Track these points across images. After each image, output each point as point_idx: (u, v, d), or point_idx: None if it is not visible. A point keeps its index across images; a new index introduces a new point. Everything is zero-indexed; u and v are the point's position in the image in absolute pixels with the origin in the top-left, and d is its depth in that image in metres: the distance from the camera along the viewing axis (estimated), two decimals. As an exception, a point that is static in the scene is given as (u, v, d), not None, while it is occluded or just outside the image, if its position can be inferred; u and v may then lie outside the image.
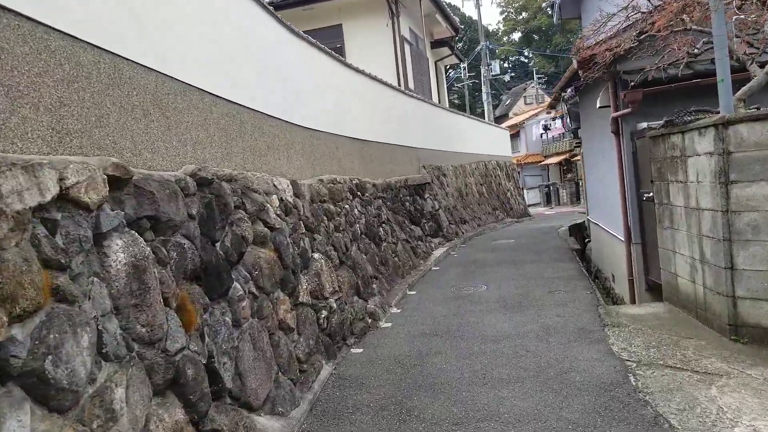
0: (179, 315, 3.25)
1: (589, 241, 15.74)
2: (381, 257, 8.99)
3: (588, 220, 14.80)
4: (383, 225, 9.77)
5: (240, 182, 4.72)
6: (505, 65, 63.95)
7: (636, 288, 7.84)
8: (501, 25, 67.87)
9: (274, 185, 5.78)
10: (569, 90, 15.56)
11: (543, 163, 39.02)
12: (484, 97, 31.15)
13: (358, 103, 10.07)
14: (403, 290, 8.50)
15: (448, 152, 16.10)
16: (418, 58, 16.28)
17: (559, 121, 37.00)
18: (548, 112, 41.45)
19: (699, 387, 4.46)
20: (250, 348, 4.02)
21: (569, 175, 36.51)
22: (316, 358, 5.10)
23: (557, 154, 37.23)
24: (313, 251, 6.26)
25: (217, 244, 4.03)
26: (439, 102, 17.46)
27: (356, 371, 5.27)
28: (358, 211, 8.78)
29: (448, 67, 25.19)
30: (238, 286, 4.12)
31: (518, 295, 7.69)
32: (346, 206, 8.28)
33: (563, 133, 37.01)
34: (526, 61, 68.77)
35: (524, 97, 55.14)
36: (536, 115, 41.51)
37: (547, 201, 36.99)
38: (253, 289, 4.37)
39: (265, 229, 4.91)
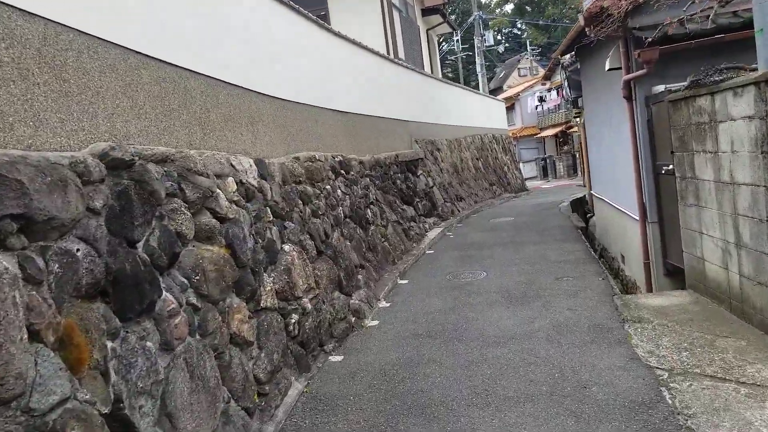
0: (61, 352, 2.30)
1: (591, 217, 14.82)
2: (369, 243, 8.04)
3: (590, 194, 13.86)
4: (371, 206, 8.81)
5: (178, 163, 3.72)
6: (498, 37, 62.41)
7: (653, 272, 6.92)
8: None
9: (232, 165, 4.79)
10: (568, 56, 14.47)
11: (539, 135, 37.94)
12: (478, 68, 29.88)
13: (342, 72, 9.01)
14: (393, 279, 7.58)
15: (441, 126, 15.05)
16: (408, 26, 15.12)
17: (554, 93, 35.77)
18: (543, 84, 40.11)
19: (750, 406, 3.56)
20: (186, 378, 3.08)
21: (565, 148, 35.45)
22: (282, 375, 4.17)
23: (553, 126, 36.13)
24: (283, 242, 5.30)
25: (138, 245, 3.06)
26: (432, 73, 16.35)
27: (333, 388, 4.35)
28: (342, 191, 7.80)
29: (441, 38, 23.96)
30: (170, 297, 3.16)
31: (522, 284, 6.76)
32: (327, 187, 7.29)
33: (559, 105, 35.84)
34: (519, 33, 67.37)
35: (518, 69, 53.89)
36: (531, 87, 40.26)
37: (544, 174, 36.00)
38: (194, 299, 3.42)
39: (214, 220, 3.93)
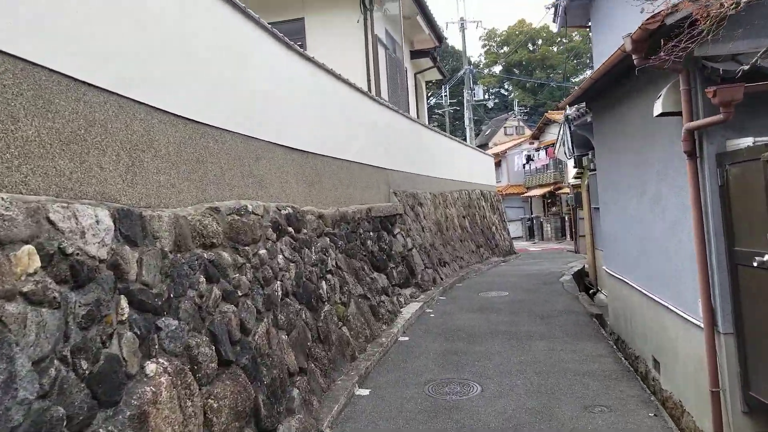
0: None
1: (595, 293, 12.65)
2: (319, 331, 5.73)
3: (592, 266, 11.72)
4: (329, 276, 6.54)
5: None
6: (486, 96, 62.04)
7: (725, 406, 4.68)
8: (483, 58, 66.54)
9: (49, 221, 2.55)
10: (573, 109, 12.64)
11: (525, 195, 36.30)
12: (467, 122, 28.34)
13: (301, 100, 6.92)
14: (348, 388, 5.23)
15: (426, 177, 13.00)
16: (394, 65, 13.26)
17: (543, 153, 34.42)
18: (531, 143, 38.94)
19: None
20: None
21: (553, 209, 33.78)
22: None
23: (540, 186, 34.55)
24: (148, 357, 3.00)
25: None
26: (418, 119, 14.44)
27: None
28: (285, 257, 5.54)
29: (430, 86, 22.37)
30: None
31: (535, 414, 4.48)
32: (262, 252, 5.04)
33: (547, 165, 34.41)
34: (506, 93, 67.43)
35: (505, 127, 53.13)
36: (519, 144, 39.00)
37: (530, 235, 34.13)
38: None
39: None
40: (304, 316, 5.54)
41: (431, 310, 8.86)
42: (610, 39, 9.57)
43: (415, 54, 15.33)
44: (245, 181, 5.37)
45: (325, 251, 6.69)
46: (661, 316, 6.32)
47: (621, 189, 7.92)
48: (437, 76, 17.72)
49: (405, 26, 13.77)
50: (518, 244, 26.16)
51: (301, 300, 5.62)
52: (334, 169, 7.85)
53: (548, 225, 32.43)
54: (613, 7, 9.39)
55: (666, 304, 6.09)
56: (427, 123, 13.92)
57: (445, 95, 38.75)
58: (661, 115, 5.20)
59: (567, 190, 29.59)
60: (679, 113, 5.03)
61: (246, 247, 4.80)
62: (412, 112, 14.31)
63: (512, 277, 12.83)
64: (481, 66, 64.04)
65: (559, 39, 63.61)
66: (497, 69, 65.07)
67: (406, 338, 7.24)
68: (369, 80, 11.34)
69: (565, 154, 13.83)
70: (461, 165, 16.89)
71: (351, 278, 7.20)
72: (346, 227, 7.70)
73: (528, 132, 46.19)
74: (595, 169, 12.27)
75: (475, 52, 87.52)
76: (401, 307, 8.50)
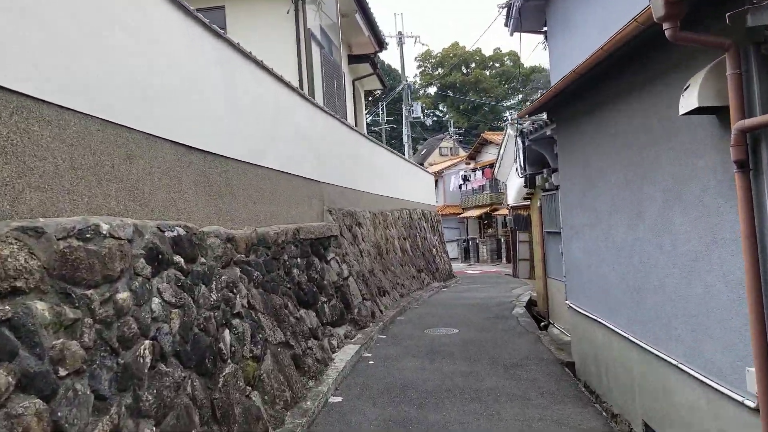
0: None
1: (546, 325, 11.38)
2: (214, 406, 3.91)
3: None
4: (235, 321, 4.74)
5: None
6: (421, 119, 61.79)
7: None
8: (418, 79, 66.56)
9: None
10: (527, 123, 11.48)
11: (461, 215, 35.49)
12: (405, 138, 27.13)
13: (207, 86, 5.15)
14: (252, 501, 3.43)
15: (365, 193, 11.39)
16: (330, 67, 11.64)
17: (479, 173, 33.79)
18: (467, 163, 38.40)
19: None
20: None
21: (489, 231, 33.07)
22: None
23: (477, 207, 33.83)
24: None
25: None
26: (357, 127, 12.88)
27: None
28: (165, 301, 3.72)
29: (374, 94, 20.95)
30: None
31: None
32: (121, 296, 3.22)
33: (483, 186, 33.78)
34: (441, 115, 67.74)
35: (440, 148, 52.84)
36: (455, 164, 38.33)
37: (465, 256, 33.23)
38: None
39: None
40: (190, 387, 3.71)
41: (370, 355, 7.16)
42: (571, 42, 8.37)
43: (354, 59, 13.82)
44: (105, 188, 3.54)
45: (232, 287, 4.88)
46: (662, 375, 4.93)
47: (600, 211, 6.59)
48: (377, 85, 16.29)
49: (343, 25, 12.22)
50: (455, 266, 24.99)
51: (187, 362, 3.80)
52: (253, 178, 6.07)
53: (484, 247, 31.63)
54: (573, 9, 8.20)
55: (673, 361, 4.70)
56: (366, 134, 12.42)
57: (383, 113, 37.59)
58: (693, 112, 3.83)
59: (505, 211, 28.93)
60: (720, 109, 3.68)
61: (90, 291, 2.97)
62: (350, 122, 12.71)
63: (458, 307, 11.36)
64: (417, 86, 63.85)
65: (491, 63, 64.66)
66: (432, 90, 65.23)
67: (339, 399, 5.50)
68: (301, 79, 9.66)
69: (517, 172, 12.64)
70: (403, 182, 15.44)
71: (269, 321, 5.40)
72: (266, 253, 5.91)
73: (463, 153, 45.87)
74: (551, 189, 11.09)
75: (410, 72, 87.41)
76: (334, 352, 6.76)
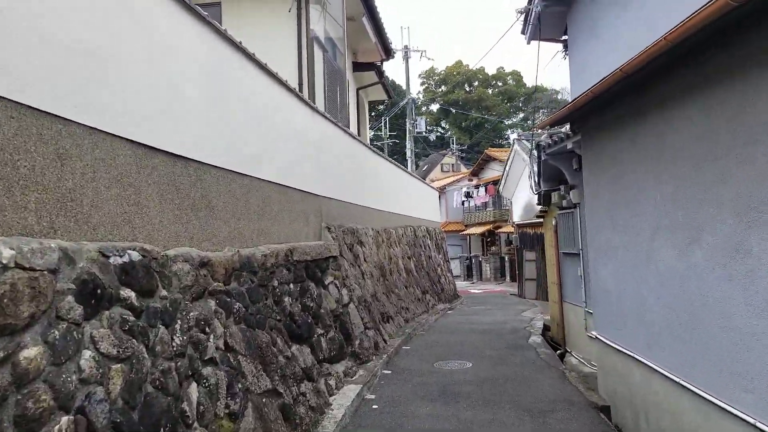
0: None
1: (562, 354, 10.31)
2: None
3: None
4: (206, 370, 3.70)
5: None
6: (424, 134, 61.27)
7: None
8: (421, 95, 66.13)
9: None
10: (545, 136, 10.53)
11: (464, 232, 34.47)
12: (408, 153, 26.23)
13: (182, 77, 4.17)
14: None
15: (367, 209, 10.40)
16: (333, 73, 10.72)
17: (483, 190, 32.84)
18: (470, 179, 37.49)
19: None
20: None
21: (493, 249, 32.04)
22: None
23: (480, 224, 32.84)
24: None
25: None
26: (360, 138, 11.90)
27: None
28: (101, 353, 2.70)
29: (377, 108, 20.05)
30: None
31: None
32: (27, 354, 2.19)
33: (486, 203, 32.82)
34: (443, 132, 67.25)
35: (441, 165, 52.15)
36: (458, 181, 37.41)
37: (468, 274, 32.14)
38: None
39: None
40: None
41: (374, 397, 6.09)
42: (596, 51, 7.43)
43: (359, 66, 12.93)
44: (19, 197, 2.54)
45: (205, 325, 3.86)
46: (727, 431, 3.91)
47: (639, 232, 5.58)
48: (382, 96, 15.38)
49: (348, 29, 11.32)
50: (458, 284, 23.93)
51: (131, 438, 2.77)
52: (237, 190, 5.08)
53: (487, 265, 30.56)
54: (600, 15, 7.27)
55: (745, 417, 3.68)
56: (369, 145, 11.48)
57: (386, 127, 36.78)
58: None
59: (509, 229, 27.94)
60: None
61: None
62: (353, 132, 11.76)
63: (468, 334, 10.29)
64: (420, 103, 63.32)
65: (494, 82, 64.28)
66: (435, 107, 64.79)
67: (338, 461, 4.44)
68: (301, 82, 8.71)
69: (531, 188, 11.67)
70: (407, 197, 14.46)
71: (252, 365, 4.37)
72: (251, 279, 4.89)
73: (465, 169, 45.00)
74: (568, 207, 10.09)
75: (413, 89, 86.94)
76: (331, 395, 5.71)
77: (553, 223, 10.77)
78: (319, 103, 9.32)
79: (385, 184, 12.27)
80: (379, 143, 40.30)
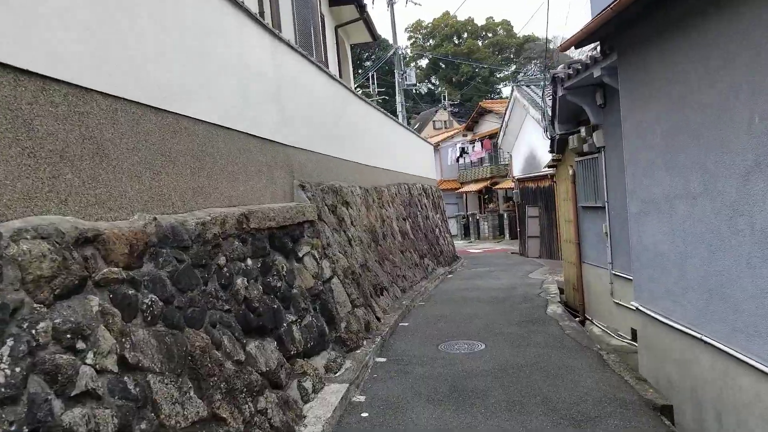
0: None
1: (582, 322, 8.98)
2: None
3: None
4: (71, 415, 2.23)
5: None
6: (414, 92, 59.06)
7: None
8: (409, 51, 63.48)
9: None
10: (561, 68, 8.93)
11: (460, 190, 32.97)
12: (398, 107, 24.39)
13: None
14: None
15: (355, 164, 8.82)
16: (303, 5, 8.93)
17: (478, 145, 31.13)
18: (464, 135, 35.68)
19: None
20: None
21: (491, 206, 30.62)
22: None
23: (476, 181, 31.30)
24: None
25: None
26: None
27: None
28: None
29: (367, 63, 18.12)
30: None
31: None
32: None
33: (482, 158, 31.16)
34: (433, 88, 65.02)
35: (433, 122, 50.31)
36: (452, 137, 35.67)
37: (465, 233, 30.82)
38: None
39: None
40: None
41: (363, 399, 4.64)
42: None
43: (336, 1, 11.08)
44: None
45: (74, 338, 2.36)
46: None
47: (718, 174, 4.05)
48: (365, 36, 13.50)
49: (322, -47, 9.46)
50: (455, 244, 22.55)
51: None
52: (153, 132, 3.50)
53: (485, 223, 29.17)
54: None
55: None
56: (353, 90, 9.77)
57: (374, 85, 34.72)
58: None
59: (508, 184, 26.41)
60: None
61: None
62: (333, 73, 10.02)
63: (475, 303, 8.88)
64: (407, 59, 60.76)
65: (483, 33, 61.77)
66: (423, 63, 62.42)
67: None
68: (262, 9, 6.98)
69: (544, 132, 10.09)
70: (400, 152, 12.84)
71: (172, 386, 2.89)
72: (177, 258, 3.38)
73: (457, 126, 43.10)
74: (590, 152, 8.56)
75: (400, 43, 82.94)
76: (307, 403, 4.27)
77: (570, 172, 9.24)
78: (288, 31, 7.60)
79: (376, 136, 10.64)
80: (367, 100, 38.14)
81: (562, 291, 10.57)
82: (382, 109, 11.55)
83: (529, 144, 18.97)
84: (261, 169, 5.24)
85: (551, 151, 10.06)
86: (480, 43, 62.50)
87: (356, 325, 5.96)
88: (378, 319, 6.85)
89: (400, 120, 25.00)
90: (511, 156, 21.69)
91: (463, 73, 60.03)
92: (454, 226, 30.90)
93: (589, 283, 9.04)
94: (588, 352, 5.71)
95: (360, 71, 38.58)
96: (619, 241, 7.73)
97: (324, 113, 7.57)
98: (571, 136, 8.83)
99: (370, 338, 6.07)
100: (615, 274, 7.90)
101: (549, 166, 10.79)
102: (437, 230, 14.69)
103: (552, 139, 9.54)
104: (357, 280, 6.71)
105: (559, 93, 8.37)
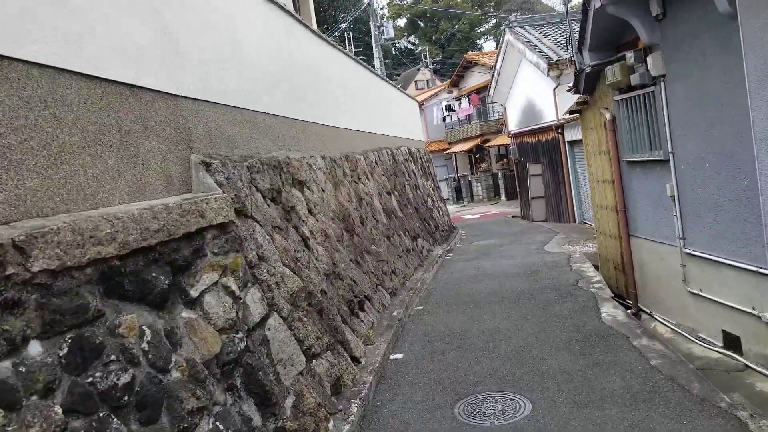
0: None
1: (636, 313, 6.59)
2: None
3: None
4: None
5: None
6: (393, 53, 55.62)
7: None
8: (386, 11, 59.75)
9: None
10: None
11: (448, 151, 30.30)
12: (377, 63, 21.44)
13: None
14: None
15: (312, 125, 6.16)
16: None
17: (465, 101, 28.27)
18: (449, 91, 32.73)
19: None
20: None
21: (483, 165, 28.03)
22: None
23: (465, 140, 28.59)
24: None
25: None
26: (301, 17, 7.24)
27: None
28: None
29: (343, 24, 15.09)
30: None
31: None
32: None
33: (470, 115, 28.35)
34: (413, 48, 61.66)
35: (416, 81, 47.29)
36: (436, 95, 32.77)
37: (458, 197, 28.33)
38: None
39: None
40: None
41: None
42: None
43: None
44: None
45: None
46: None
47: None
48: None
49: None
50: (448, 210, 20.03)
51: None
52: None
53: (478, 184, 26.63)
54: None
55: None
56: (315, 28, 6.97)
57: (350, 45, 31.47)
58: None
59: (502, 140, 23.69)
60: None
61: None
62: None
63: (492, 303, 6.39)
64: (385, 19, 56.96)
65: (463, -15, 58.24)
66: (402, 22, 58.93)
67: None
68: None
69: (572, 61, 7.43)
70: (378, 110, 10.15)
71: None
72: None
73: (440, 84, 40.05)
74: (640, 85, 5.95)
75: (377, 5, 78.05)
76: None
77: (607, 116, 6.64)
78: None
79: (346, 90, 7.94)
80: (345, 63, 34.94)
81: (596, 267, 8.15)
82: (353, 56, 8.79)
83: (525, 94, 16.26)
84: (103, 137, 2.62)
85: (575, 91, 7.44)
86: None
87: (315, 394, 3.44)
88: (356, 360, 4.33)
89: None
90: (505, 109, 18.97)
91: (442, 30, 57.04)
92: (445, 190, 28.35)
93: (642, 262, 6.58)
94: (713, 411, 3.24)
95: (336, 34, 35.27)
96: (695, 206, 5.24)
97: (257, 51, 4.88)
98: (609, 67, 6.20)
99: (340, 411, 3.56)
100: (690, 254, 5.44)
101: (571, 112, 8.17)
102: (429, 201, 12.11)
103: (578, 74, 6.89)
104: (318, 305, 4.16)
105: (596, 4, 5.71)
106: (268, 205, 4.18)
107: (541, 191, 16.38)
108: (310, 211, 5.09)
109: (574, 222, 13.85)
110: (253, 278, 3.44)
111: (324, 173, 5.94)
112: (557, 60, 13.47)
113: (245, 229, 3.59)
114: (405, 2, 58.66)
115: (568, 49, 6.61)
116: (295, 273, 4.05)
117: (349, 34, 32.20)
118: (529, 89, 15.80)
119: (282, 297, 3.67)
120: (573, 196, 14.01)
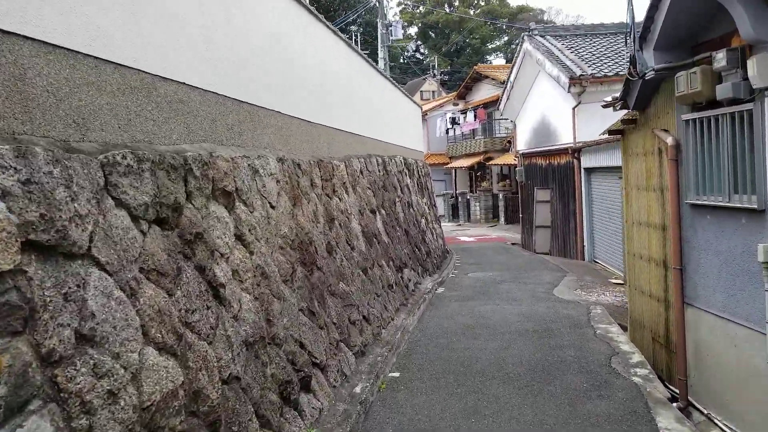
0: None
1: (684, 408, 4.81)
2: None
3: None
4: None
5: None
6: (401, 61, 54.26)
7: None
8: (398, 17, 58.54)
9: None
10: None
11: (448, 166, 28.61)
12: (381, 64, 19.75)
13: None
14: None
15: (272, 113, 4.40)
16: None
17: (471, 115, 26.61)
18: (455, 104, 31.13)
19: None
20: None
21: (483, 184, 26.31)
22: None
23: (467, 156, 26.92)
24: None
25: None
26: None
27: None
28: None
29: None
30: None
31: None
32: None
33: (475, 130, 26.71)
34: (421, 57, 60.53)
35: (421, 91, 45.84)
36: (441, 106, 31.14)
37: (453, 215, 26.61)
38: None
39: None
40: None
41: None
42: None
43: None
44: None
45: None
46: None
47: None
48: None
49: None
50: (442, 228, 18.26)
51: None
52: None
53: (477, 204, 24.89)
54: None
55: None
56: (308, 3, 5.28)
57: (357, 46, 29.93)
58: None
59: (506, 159, 21.99)
60: None
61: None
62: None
63: (495, 383, 4.62)
64: (395, 20, 55.82)
65: (476, 1, 57.23)
66: (413, 31, 57.74)
67: None
68: None
69: (635, 62, 5.67)
70: (372, 108, 8.40)
71: None
72: None
73: (446, 96, 38.49)
74: (731, 101, 4.20)
75: (389, 11, 76.67)
76: None
77: (668, 141, 4.89)
78: None
79: (326, 77, 6.19)
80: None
81: (624, 328, 6.41)
82: (340, 34, 7.03)
83: (540, 111, 14.58)
84: None
85: (622, 105, 5.72)
86: (472, 12, 58.25)
87: None
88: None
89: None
90: (515, 125, 17.28)
91: (453, 42, 56.04)
92: (441, 206, 26.63)
93: (701, 343, 4.82)
94: None
95: (346, 35, 33.90)
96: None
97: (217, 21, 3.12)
98: (679, 74, 4.47)
99: None
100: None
101: (611, 132, 6.42)
102: (423, 221, 10.33)
103: (632, 81, 5.16)
104: (211, 414, 2.37)
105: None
106: (144, 233, 2.40)
107: (547, 220, 14.66)
108: (239, 238, 3.32)
109: (583, 260, 12.12)
110: (43, 390, 1.66)
111: (278, 182, 4.17)
112: (581, 75, 11.83)
113: (56, 284, 1.81)
114: (418, 11, 57.42)
115: (626, 44, 4.86)
116: (173, 356, 2.26)
117: (356, 36, 30.57)
118: (545, 106, 14.14)
119: (120, 420, 1.89)
120: (585, 230, 12.28)
